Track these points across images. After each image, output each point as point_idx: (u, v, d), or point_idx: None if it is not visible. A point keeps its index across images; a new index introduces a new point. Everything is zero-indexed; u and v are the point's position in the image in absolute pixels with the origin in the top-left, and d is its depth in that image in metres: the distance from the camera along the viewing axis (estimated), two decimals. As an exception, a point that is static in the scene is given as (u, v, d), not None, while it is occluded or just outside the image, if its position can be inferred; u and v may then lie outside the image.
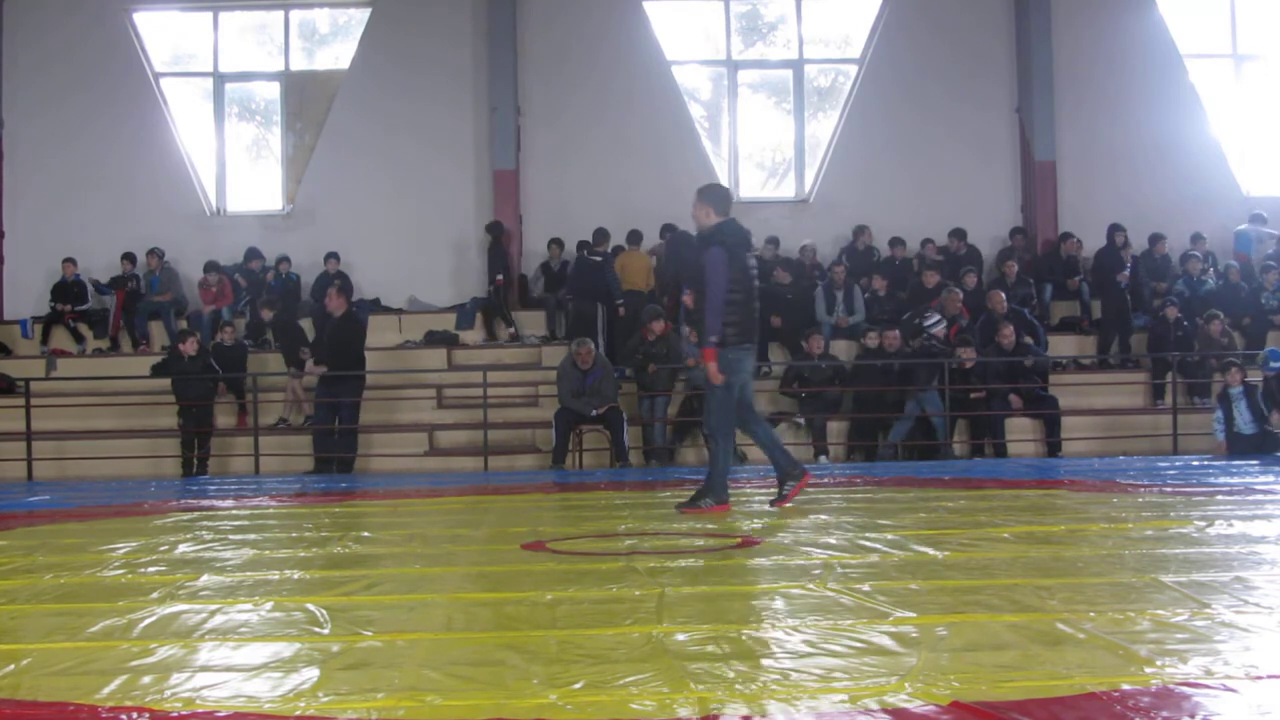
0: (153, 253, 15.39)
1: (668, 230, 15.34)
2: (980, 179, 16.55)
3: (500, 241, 15.34)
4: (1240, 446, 11.59)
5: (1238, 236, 15.99)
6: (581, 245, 14.92)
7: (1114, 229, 14.92)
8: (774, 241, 15.65)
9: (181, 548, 6.27)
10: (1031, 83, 16.30)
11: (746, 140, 17.38)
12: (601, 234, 14.80)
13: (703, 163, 16.66)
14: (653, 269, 14.86)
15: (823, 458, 12.73)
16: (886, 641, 3.66)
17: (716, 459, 7.56)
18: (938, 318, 13.05)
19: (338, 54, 17.14)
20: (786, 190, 17.28)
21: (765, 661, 3.47)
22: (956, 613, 4.07)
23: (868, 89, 16.70)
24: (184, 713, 3.07)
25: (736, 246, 7.41)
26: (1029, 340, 13.26)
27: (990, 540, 5.89)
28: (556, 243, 15.60)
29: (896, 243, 15.56)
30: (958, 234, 15.61)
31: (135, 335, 15.24)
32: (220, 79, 16.89)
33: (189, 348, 12.76)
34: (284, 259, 15.54)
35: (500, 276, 15.21)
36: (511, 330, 15.32)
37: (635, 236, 15.12)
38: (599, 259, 14.28)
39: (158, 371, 13.26)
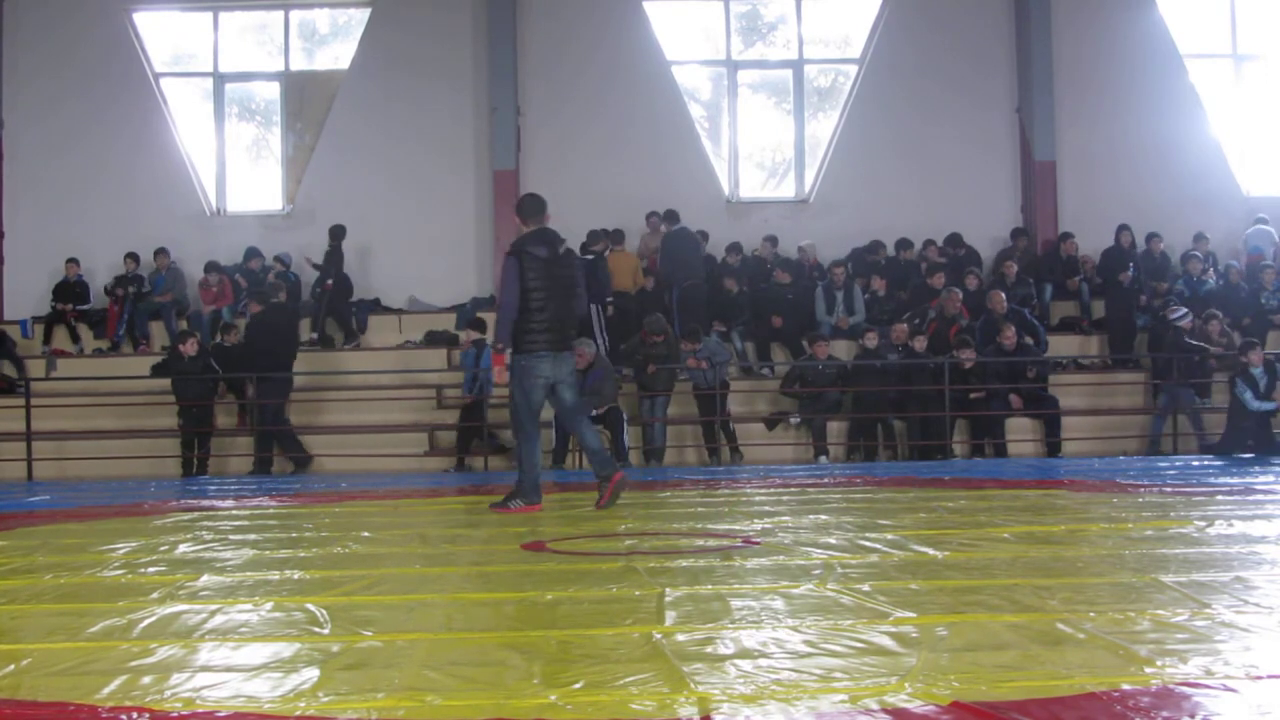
0: (161, 252, 15.41)
1: (653, 215, 15.36)
2: (980, 179, 16.55)
3: (339, 246, 15.29)
4: (1250, 421, 11.79)
5: (1250, 236, 15.95)
6: (582, 247, 14.89)
7: (1121, 229, 14.97)
8: (772, 239, 15.66)
9: (181, 548, 6.27)
10: (1031, 82, 16.30)
11: (746, 140, 17.37)
12: (596, 235, 14.61)
13: (703, 163, 16.68)
14: (641, 268, 14.84)
15: (823, 458, 12.74)
16: (886, 641, 3.66)
17: (521, 461, 7.72)
18: (1184, 311, 13.06)
19: (338, 54, 17.15)
20: (786, 190, 17.28)
21: (765, 661, 3.46)
22: (956, 613, 4.07)
23: (868, 89, 16.70)
24: (184, 713, 3.06)
25: (543, 256, 7.46)
26: (1029, 341, 13.27)
27: (990, 540, 5.89)
28: None
29: (904, 244, 15.53)
30: (953, 240, 15.57)
31: (135, 335, 15.24)
32: (220, 79, 16.89)
33: (189, 348, 12.78)
34: (279, 258, 15.55)
35: (330, 281, 15.04)
36: (350, 336, 15.19)
37: (619, 236, 15.02)
38: (591, 258, 14.16)
39: (158, 371, 13.28)
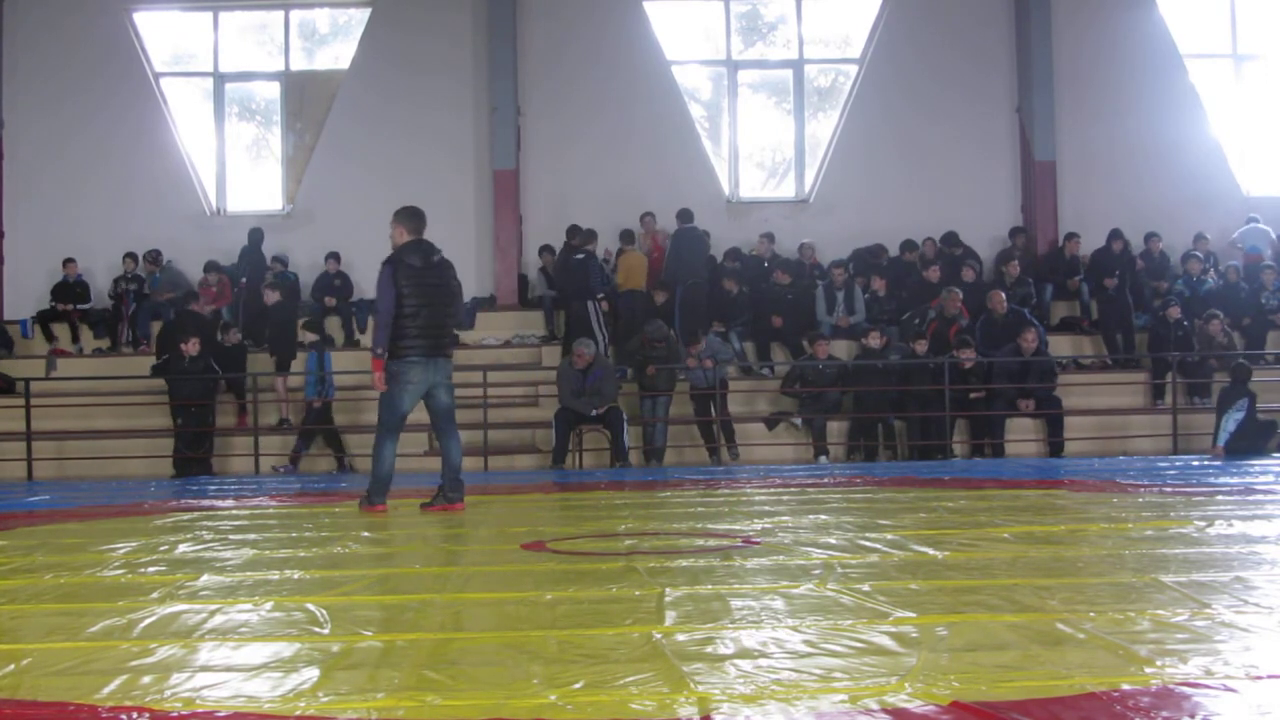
0: (147, 256, 15.42)
1: (647, 216, 15.36)
2: (980, 179, 16.54)
3: (258, 246, 15.22)
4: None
5: (1243, 235, 15.93)
6: (578, 248, 14.83)
7: (1113, 235, 14.92)
8: (769, 236, 15.66)
9: (181, 548, 6.27)
10: (1031, 82, 16.29)
11: (746, 140, 17.37)
12: (590, 233, 14.54)
13: (703, 163, 16.68)
14: (645, 266, 14.82)
15: (823, 458, 12.73)
16: (886, 641, 3.66)
17: (373, 458, 8.06)
18: None
19: (338, 54, 17.14)
20: (786, 190, 17.28)
21: (765, 661, 3.46)
22: (956, 613, 4.07)
23: (868, 89, 16.70)
24: (184, 713, 3.06)
25: (417, 266, 7.81)
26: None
27: (990, 540, 5.90)
28: (548, 250, 15.58)
29: (908, 246, 15.50)
30: (949, 239, 15.52)
31: (136, 335, 15.25)
32: (220, 79, 16.89)
33: (190, 348, 12.77)
34: (277, 258, 15.51)
35: (244, 280, 14.94)
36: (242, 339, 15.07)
37: (629, 236, 15.00)
38: (581, 257, 14.12)
39: (158, 372, 13.27)
